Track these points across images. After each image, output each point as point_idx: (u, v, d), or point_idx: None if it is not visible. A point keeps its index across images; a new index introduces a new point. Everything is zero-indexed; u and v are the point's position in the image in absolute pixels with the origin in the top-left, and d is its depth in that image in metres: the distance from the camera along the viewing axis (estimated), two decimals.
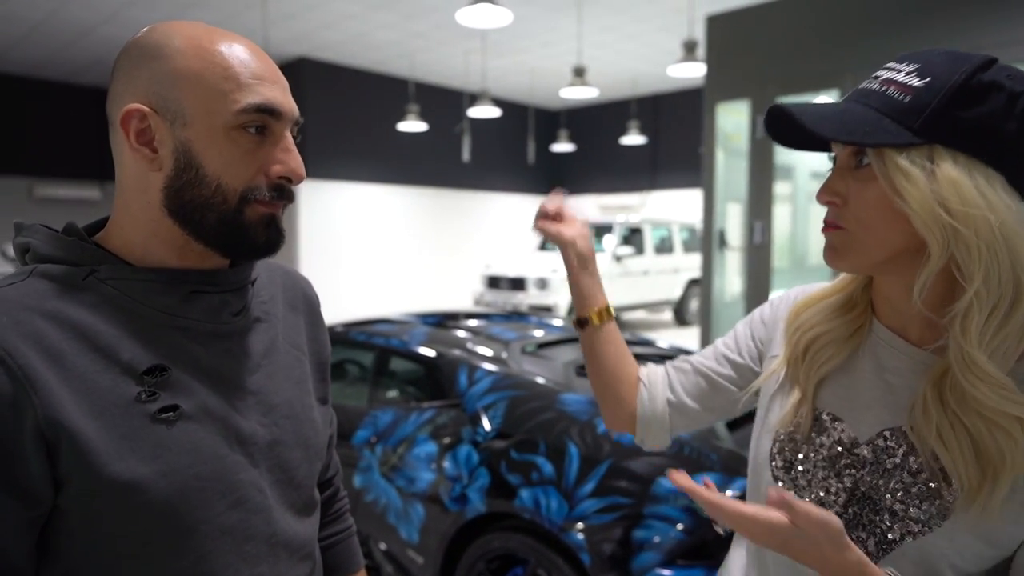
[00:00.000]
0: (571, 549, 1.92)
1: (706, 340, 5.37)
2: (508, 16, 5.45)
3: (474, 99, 9.70)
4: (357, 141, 11.22)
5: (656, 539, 1.80)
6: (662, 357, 2.88)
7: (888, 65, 0.70)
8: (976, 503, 0.65)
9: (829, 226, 0.72)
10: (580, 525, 1.89)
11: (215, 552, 0.70)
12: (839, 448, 0.75)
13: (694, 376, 0.96)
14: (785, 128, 0.74)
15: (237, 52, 0.70)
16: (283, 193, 0.73)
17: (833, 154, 0.73)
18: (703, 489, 0.66)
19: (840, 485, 0.74)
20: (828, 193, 0.71)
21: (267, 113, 0.70)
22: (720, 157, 5.16)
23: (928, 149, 0.65)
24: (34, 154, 12.15)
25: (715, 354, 0.96)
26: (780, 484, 0.78)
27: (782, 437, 0.79)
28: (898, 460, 0.71)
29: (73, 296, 0.67)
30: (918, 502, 0.68)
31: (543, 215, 1.01)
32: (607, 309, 0.98)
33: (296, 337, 0.86)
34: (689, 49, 6.42)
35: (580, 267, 0.99)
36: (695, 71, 6.34)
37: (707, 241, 5.32)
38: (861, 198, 0.69)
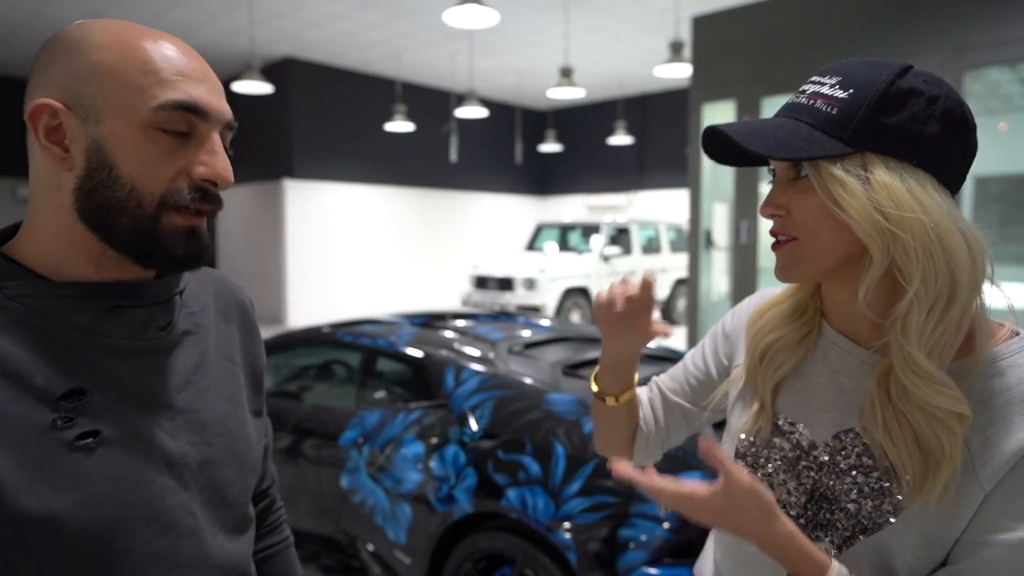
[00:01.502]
0: (558, 548, 1.93)
1: (693, 339, 5.39)
2: (495, 16, 5.45)
3: (461, 99, 9.69)
4: (344, 141, 11.18)
5: (642, 538, 1.81)
6: (650, 357, 2.89)
7: (813, 79, 0.72)
8: (922, 496, 0.67)
9: (779, 241, 0.74)
10: (567, 524, 1.89)
11: None
12: (797, 452, 0.77)
13: (670, 407, 0.99)
14: (721, 146, 0.75)
15: (161, 48, 0.65)
16: (207, 197, 0.67)
17: (771, 168, 0.76)
18: (640, 475, 0.69)
19: (800, 487, 0.76)
20: (771, 206, 0.73)
21: (190, 111, 0.64)
22: (706, 157, 5.18)
23: (860, 157, 0.67)
24: (17, 154, 12.01)
25: (685, 381, 0.98)
26: None
27: (744, 442, 0.82)
28: (852, 460, 0.73)
29: None
30: (871, 500, 0.71)
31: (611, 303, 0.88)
32: (631, 390, 0.96)
33: (229, 349, 0.81)
34: (675, 50, 6.45)
35: (626, 360, 0.93)
36: (681, 71, 6.37)
37: (694, 241, 5.34)
38: (803, 209, 0.71)
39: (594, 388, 0.97)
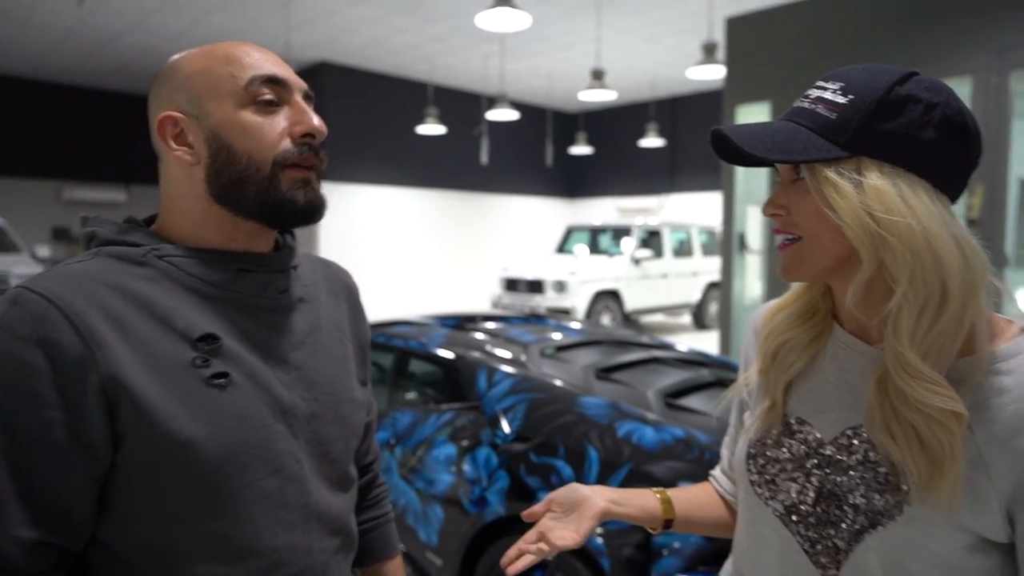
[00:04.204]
0: (591, 553, 1.91)
1: (726, 344, 5.32)
2: (527, 19, 5.45)
3: (492, 102, 9.71)
4: (376, 144, 11.28)
5: (676, 544, 1.78)
6: (681, 361, 2.86)
7: (817, 83, 0.74)
8: (930, 494, 0.67)
9: (784, 242, 0.76)
10: (600, 530, 1.87)
11: (254, 515, 0.74)
12: (807, 449, 0.78)
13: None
14: (730, 147, 0.77)
15: (237, 45, 0.78)
16: (312, 151, 0.78)
17: (776, 169, 0.78)
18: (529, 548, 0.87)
19: (809, 485, 0.77)
20: (772, 206, 0.76)
21: (272, 83, 0.76)
22: None
23: (856, 162, 0.69)
24: (62, 157, 12.36)
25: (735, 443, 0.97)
26: (756, 487, 0.82)
27: (756, 442, 0.84)
28: (860, 456, 0.74)
29: (133, 271, 0.73)
30: (877, 494, 0.71)
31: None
32: (667, 507, 0.93)
33: (339, 320, 0.90)
34: (708, 51, 6.38)
35: (618, 512, 0.91)
36: (714, 73, 6.29)
37: (727, 244, 5.28)
38: (800, 209, 0.73)
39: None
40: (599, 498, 0.89)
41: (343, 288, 0.95)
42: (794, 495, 0.78)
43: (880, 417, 0.71)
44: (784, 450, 0.80)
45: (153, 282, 0.72)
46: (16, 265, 7.65)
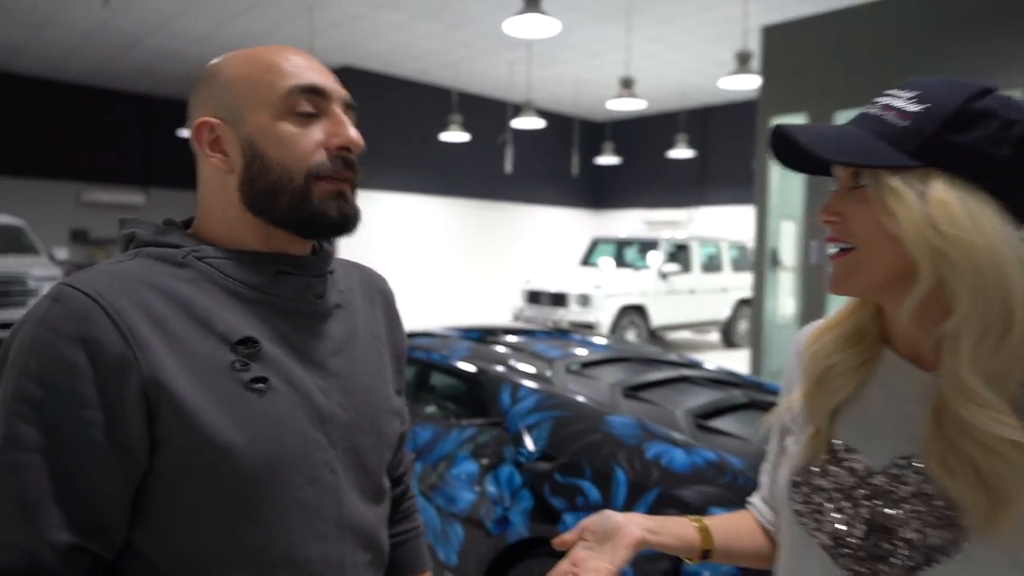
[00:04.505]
0: None
1: (757, 363, 5.27)
2: (556, 26, 5.48)
3: (518, 110, 9.76)
4: (399, 151, 11.38)
5: (706, 574, 1.76)
6: (712, 380, 2.83)
7: (889, 91, 0.74)
8: (991, 531, 0.65)
9: (836, 252, 0.75)
10: None
11: (290, 526, 0.74)
12: (855, 479, 0.77)
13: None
14: (788, 149, 0.77)
15: (278, 50, 0.78)
16: (347, 163, 0.78)
17: (835, 176, 0.77)
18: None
19: (858, 516, 0.75)
20: (828, 212, 0.75)
21: (313, 92, 0.77)
22: (774, 173, 5.08)
23: (923, 172, 0.68)
24: (81, 159, 12.62)
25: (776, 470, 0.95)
26: (801, 517, 0.80)
27: (800, 470, 0.82)
28: (913, 488, 0.72)
29: (174, 272, 0.74)
30: (933, 529, 0.70)
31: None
32: (705, 537, 0.92)
33: (375, 328, 0.91)
34: (742, 60, 6.36)
35: (655, 541, 0.88)
36: (748, 83, 6.27)
37: (759, 260, 5.24)
38: (858, 218, 0.72)
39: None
40: (635, 527, 0.87)
41: (379, 294, 0.96)
42: (842, 527, 0.76)
43: (936, 449, 0.69)
44: (830, 479, 0.79)
45: (193, 284, 0.74)
46: (35, 267, 7.79)
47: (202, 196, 0.81)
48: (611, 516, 0.89)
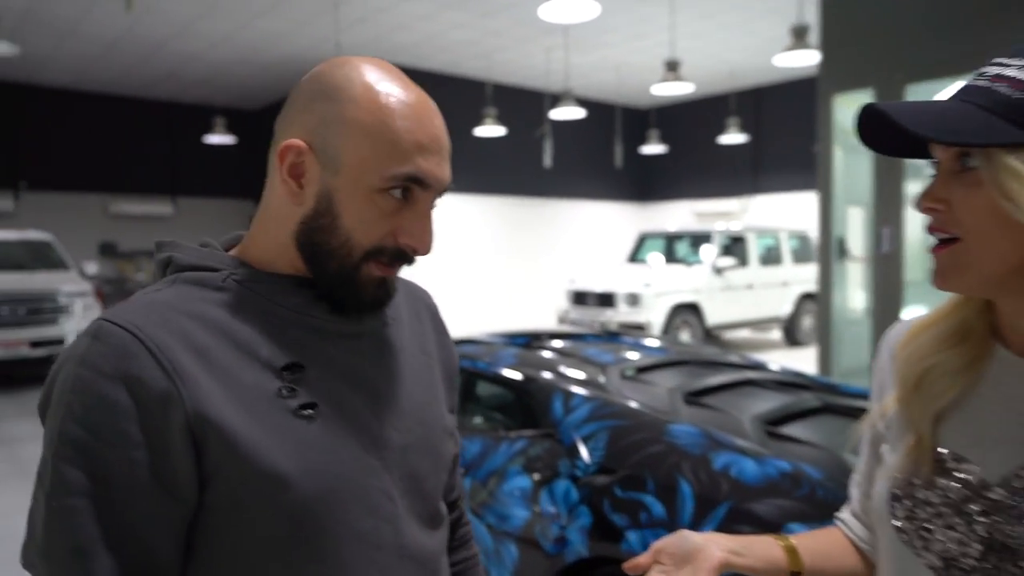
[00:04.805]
0: None
1: (825, 362, 5.15)
2: (595, 8, 5.45)
3: (556, 100, 9.74)
4: None
5: None
6: (779, 383, 2.77)
7: (996, 60, 0.70)
8: None
9: (939, 242, 0.71)
10: None
11: (351, 559, 0.74)
12: (967, 492, 0.73)
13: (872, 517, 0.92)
14: (879, 131, 0.74)
15: (408, 116, 0.74)
16: (404, 258, 0.78)
17: (934, 159, 0.73)
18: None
19: (972, 534, 0.72)
20: (929, 199, 0.71)
21: (415, 182, 0.75)
22: (838, 155, 4.96)
23: None
24: (108, 170, 13.02)
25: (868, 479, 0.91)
26: (904, 535, 0.77)
27: (900, 483, 0.79)
28: None
29: (213, 297, 0.75)
30: None
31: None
32: (793, 558, 0.89)
33: (424, 343, 0.91)
34: (799, 35, 6.24)
35: (739, 563, 0.87)
36: (806, 59, 6.15)
37: (825, 251, 5.11)
38: (967, 205, 0.68)
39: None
40: (716, 548, 0.85)
41: (425, 309, 0.96)
42: (954, 546, 0.73)
43: None
44: (938, 492, 0.75)
45: (233, 308, 0.74)
46: (65, 283, 8.05)
47: (264, 207, 0.80)
48: (689, 537, 0.87)
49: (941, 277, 0.72)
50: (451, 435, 0.92)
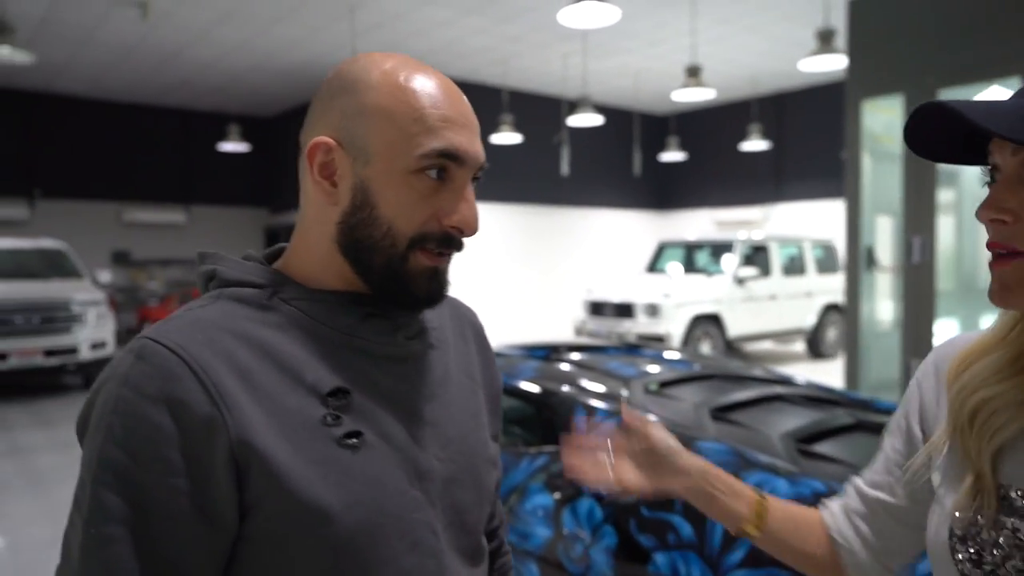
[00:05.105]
0: None
1: (852, 376, 5.07)
2: (615, 14, 5.43)
3: (574, 106, 9.72)
4: None
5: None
6: (809, 398, 2.71)
7: None
8: None
9: (1001, 255, 0.67)
10: None
11: None
12: None
13: (871, 507, 0.89)
14: (928, 133, 0.69)
15: (430, 92, 0.74)
16: (452, 243, 0.76)
17: (989, 166, 0.69)
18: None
19: None
20: (992, 209, 0.66)
21: (449, 158, 0.73)
22: (867, 162, 4.90)
23: None
24: (121, 178, 13.15)
25: (886, 470, 0.88)
26: None
27: (962, 523, 0.74)
28: None
29: (259, 316, 0.73)
30: None
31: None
32: (758, 513, 0.90)
33: (469, 366, 0.89)
34: (825, 39, 6.19)
35: (697, 494, 0.95)
36: (831, 64, 6.10)
37: (853, 260, 5.05)
38: None
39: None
40: (692, 462, 0.92)
41: (471, 329, 0.94)
42: None
43: None
44: (1004, 532, 0.71)
45: (278, 328, 0.73)
46: (78, 291, 8.12)
47: (301, 218, 0.79)
48: (676, 449, 0.96)
49: (1005, 294, 0.67)
50: (494, 465, 0.89)
